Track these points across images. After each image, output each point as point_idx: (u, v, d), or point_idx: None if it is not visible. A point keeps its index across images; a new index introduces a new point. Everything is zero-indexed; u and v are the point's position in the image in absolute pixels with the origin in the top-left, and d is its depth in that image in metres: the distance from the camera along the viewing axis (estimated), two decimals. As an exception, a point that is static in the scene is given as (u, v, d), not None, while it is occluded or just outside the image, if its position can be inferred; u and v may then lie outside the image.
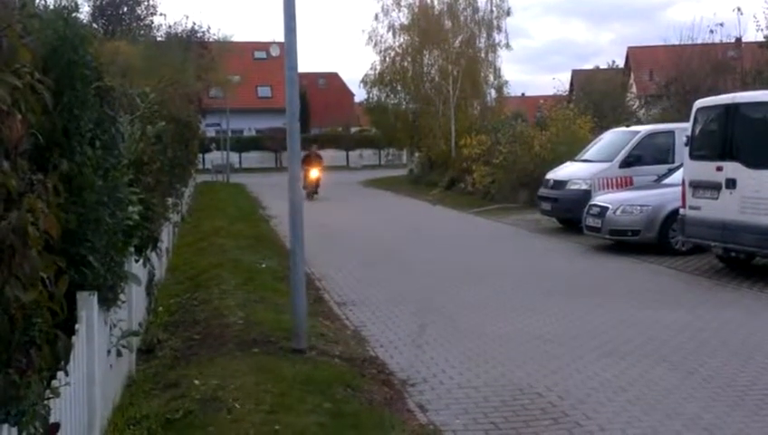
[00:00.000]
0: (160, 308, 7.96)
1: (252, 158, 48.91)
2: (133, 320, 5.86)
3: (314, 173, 23.83)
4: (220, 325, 6.90)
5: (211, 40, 30.15)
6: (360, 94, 48.74)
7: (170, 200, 9.53)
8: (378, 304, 8.87)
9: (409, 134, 36.03)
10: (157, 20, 30.71)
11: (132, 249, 5.35)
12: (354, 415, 4.87)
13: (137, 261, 5.78)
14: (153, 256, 6.72)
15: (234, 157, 45.12)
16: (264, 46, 47.45)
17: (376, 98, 37.51)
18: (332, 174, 41.27)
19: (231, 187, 30.48)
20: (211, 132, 38.47)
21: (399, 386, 5.86)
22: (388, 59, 36.43)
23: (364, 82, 37.19)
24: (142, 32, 26.57)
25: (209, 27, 38.12)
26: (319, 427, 4.58)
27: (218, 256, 11.13)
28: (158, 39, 27.11)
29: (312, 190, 23.49)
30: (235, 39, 39.42)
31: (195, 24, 32.04)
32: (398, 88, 36.73)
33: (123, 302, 5.02)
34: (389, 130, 37.40)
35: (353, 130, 56.35)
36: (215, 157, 40.28)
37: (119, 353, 4.94)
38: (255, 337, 6.49)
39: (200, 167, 35.96)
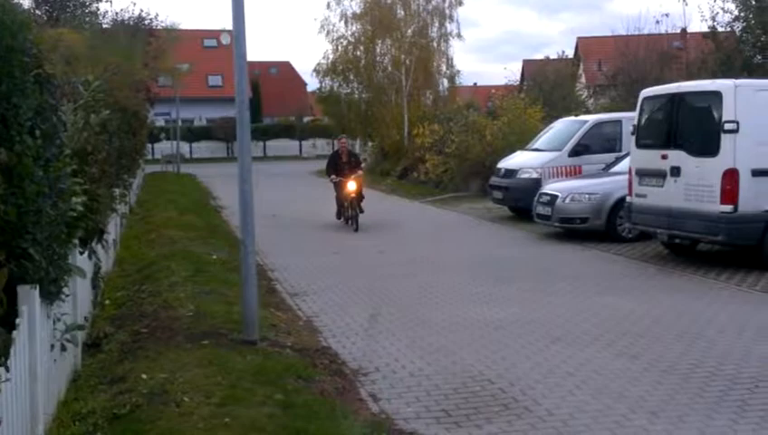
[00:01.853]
0: (107, 301, 7.80)
1: (203, 148, 48.28)
2: (78, 314, 5.73)
3: (352, 186, 14.36)
4: (169, 318, 6.79)
5: (159, 27, 29.55)
6: (312, 83, 48.50)
7: (117, 191, 9.33)
8: (330, 293, 8.85)
9: (362, 124, 35.97)
10: (103, 7, 30.04)
11: (76, 241, 5.23)
12: (305, 406, 4.85)
13: (81, 253, 5.65)
14: (99, 248, 6.57)
15: (184, 147, 44.48)
16: (215, 34, 46.79)
17: (328, 87, 37.32)
18: (285, 164, 41.17)
19: (181, 177, 30.01)
20: (160, 122, 37.83)
21: (351, 376, 5.86)
22: (340, 48, 36.27)
23: (317, 71, 36.97)
24: (87, 19, 25.88)
25: (157, 14, 37.47)
26: (269, 418, 4.55)
27: (168, 247, 10.95)
28: (104, 26, 26.46)
29: (351, 211, 14.52)
30: (185, 27, 38.86)
31: (142, 11, 31.41)
32: (351, 77, 36.61)
33: (67, 295, 4.90)
34: (342, 120, 37.22)
35: (306, 119, 56.01)
36: (164, 147, 39.65)
37: (63, 348, 4.83)
38: (205, 329, 6.41)
39: (149, 157, 35.39)
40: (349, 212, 14.54)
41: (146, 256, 10.45)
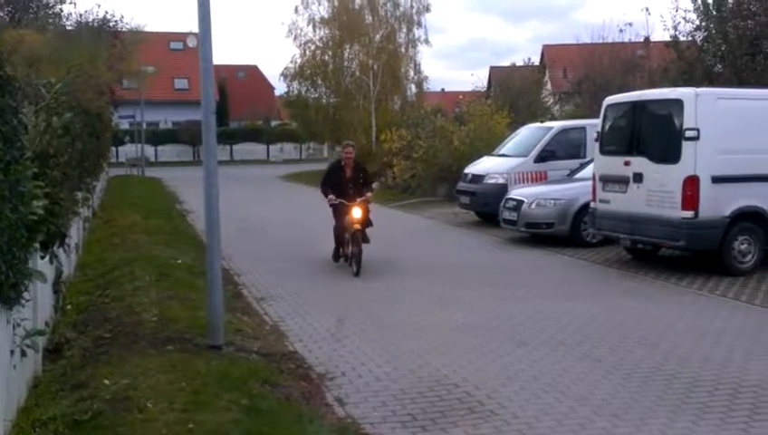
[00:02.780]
0: (69, 306, 7.67)
1: (168, 151, 47.79)
2: (39, 319, 5.62)
3: (356, 213, 10.31)
4: (132, 323, 6.70)
5: (124, 29, 29.17)
6: (280, 87, 48.29)
7: (80, 195, 9.17)
8: (297, 298, 8.82)
9: (330, 128, 36.00)
10: (66, 8, 29.56)
11: (37, 245, 5.13)
12: (271, 411, 4.82)
13: (43, 257, 5.54)
14: (61, 252, 6.45)
15: (149, 150, 44.00)
16: (181, 37, 46.31)
17: (296, 91, 37.29)
18: (252, 168, 40.93)
19: (146, 181, 29.67)
20: (125, 124, 37.33)
21: (318, 380, 5.84)
22: (308, 52, 36.29)
23: (284, 75, 36.95)
24: (51, 20, 25.43)
25: (122, 16, 36.96)
26: (234, 424, 4.51)
27: (132, 251, 10.80)
28: (68, 28, 26.03)
29: (354, 248, 10.28)
30: (151, 29, 38.37)
31: (107, 12, 30.96)
32: (319, 82, 36.65)
33: (27, 300, 4.80)
34: (310, 124, 37.23)
35: (273, 123, 55.77)
36: (129, 150, 39.16)
37: (23, 353, 4.73)
38: (170, 334, 6.33)
39: (113, 160, 34.89)
40: (350, 248, 10.26)
41: (109, 260, 10.30)
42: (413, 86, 36.39)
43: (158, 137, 47.43)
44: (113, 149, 35.36)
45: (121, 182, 27.26)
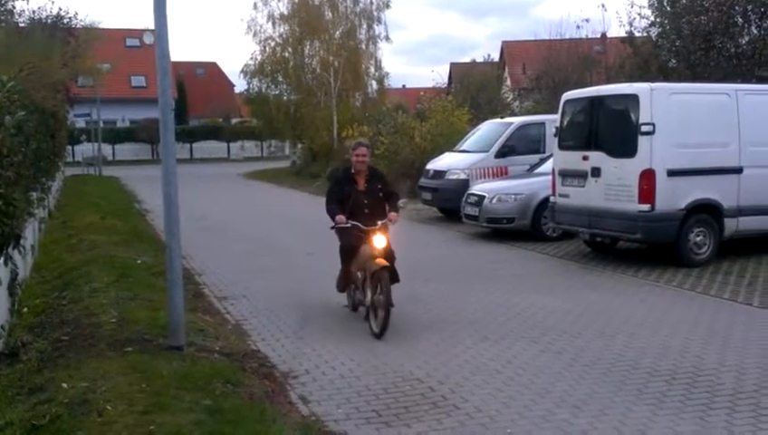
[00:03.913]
0: (25, 309, 7.50)
1: (126, 150, 47.05)
2: (-7, 323, 5.49)
3: (380, 242, 7.12)
4: (91, 325, 6.58)
5: (78, 26, 28.60)
6: (240, 84, 47.83)
7: (35, 195, 8.97)
8: (260, 297, 8.76)
9: (291, 125, 35.78)
10: (19, 5, 28.77)
11: (-10, 247, 5.00)
12: (234, 411, 4.78)
13: (-4, 260, 5.40)
14: (16, 253, 6.31)
15: (106, 149, 43.24)
16: (137, 33, 45.52)
17: (257, 88, 36.97)
18: (213, 166, 40.53)
19: (103, 180, 29.16)
20: (81, 123, 36.60)
21: (281, 379, 5.81)
22: (268, 49, 36.00)
23: (244, 72, 36.60)
24: (2, 17, 24.83)
25: (76, 13, 36.24)
26: (196, 425, 4.46)
27: (89, 252, 10.61)
28: (21, 25, 25.42)
29: (378, 295, 6.99)
30: (106, 26, 37.72)
31: (60, 9, 30.34)
32: (280, 79, 36.38)
33: (-20, 304, 4.69)
34: (271, 122, 36.94)
35: (234, 120, 55.27)
36: (85, 149, 38.44)
37: (-24, 359, 4.61)
38: (129, 336, 6.23)
39: (69, 159, 34.22)
40: (369, 296, 7.09)
41: (66, 261, 10.10)
42: (374, 83, 36.37)
43: (115, 135, 46.66)
44: (69, 148, 34.70)
45: (78, 182, 26.75)
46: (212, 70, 63.49)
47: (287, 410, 5.14)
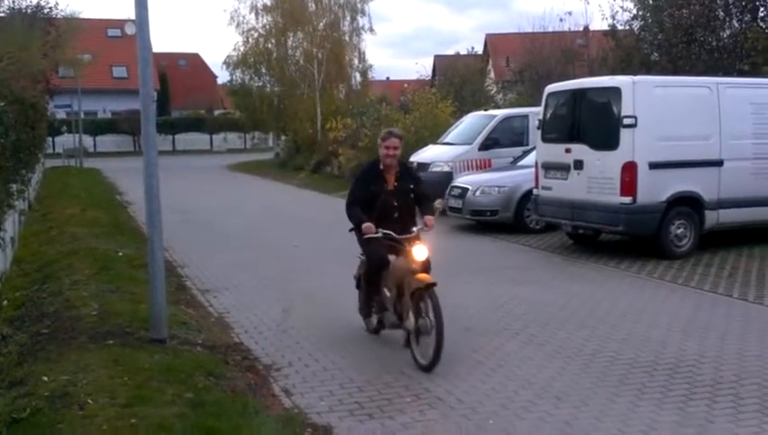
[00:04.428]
0: (5, 302, 7.43)
1: (108, 141, 46.65)
2: (-28, 316, 5.43)
3: (420, 253, 5.91)
4: (71, 318, 6.53)
5: (59, 16, 28.26)
6: (223, 76, 47.57)
7: (15, 187, 8.90)
8: (243, 289, 8.73)
9: (275, 117, 35.65)
10: (-3, -6, 28.39)
11: (-31, 240, 4.95)
12: (216, 403, 4.77)
13: (-26, 252, 5.35)
14: (-6, 246, 6.25)
15: (87, 140, 42.86)
16: (119, 24, 45.02)
17: (240, 80, 36.78)
18: (195, 159, 40.29)
19: (84, 172, 28.90)
20: (61, 114, 36.22)
21: (264, 372, 5.80)
22: (251, 40, 35.81)
23: (227, 63, 36.40)
24: (-20, 7, 24.52)
25: (57, 3, 35.77)
26: (178, 418, 4.44)
27: (70, 244, 10.52)
28: (0, 15, 25.10)
29: (422, 319, 5.75)
30: (87, 15, 37.33)
31: (41, -1, 29.92)
32: (263, 70, 36.20)
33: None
34: (254, 113, 36.80)
35: (217, 112, 54.93)
36: (66, 140, 38.06)
37: (-45, 352, 4.56)
38: (111, 329, 6.19)
39: (50, 151, 33.86)
40: (411, 320, 5.86)
41: (46, 254, 10.01)
42: (358, 75, 36.32)
43: (96, 127, 46.22)
44: (50, 139, 34.34)
45: (59, 174, 26.49)
46: (194, 61, 63.02)
47: (270, 403, 5.13)
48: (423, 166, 15.84)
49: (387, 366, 5.83)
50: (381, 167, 6.32)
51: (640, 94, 9.78)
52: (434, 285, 5.72)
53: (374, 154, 22.75)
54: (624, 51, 18.78)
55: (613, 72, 15.87)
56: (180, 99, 55.37)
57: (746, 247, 10.54)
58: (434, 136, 17.76)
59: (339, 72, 34.64)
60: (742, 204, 10.31)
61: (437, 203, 6.45)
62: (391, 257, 6.14)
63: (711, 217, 10.21)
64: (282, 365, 5.93)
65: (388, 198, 6.25)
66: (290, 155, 32.58)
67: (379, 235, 5.93)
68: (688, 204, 10.07)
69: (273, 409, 5.02)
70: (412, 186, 6.39)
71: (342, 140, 23.57)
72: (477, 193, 12.93)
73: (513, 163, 14.17)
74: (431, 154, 16.21)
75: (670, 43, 17.36)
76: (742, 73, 15.16)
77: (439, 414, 4.91)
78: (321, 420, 4.85)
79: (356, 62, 35.84)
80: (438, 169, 15.34)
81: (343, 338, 6.64)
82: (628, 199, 9.72)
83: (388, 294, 6.14)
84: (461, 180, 13.66)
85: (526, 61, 25.69)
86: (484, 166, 15.06)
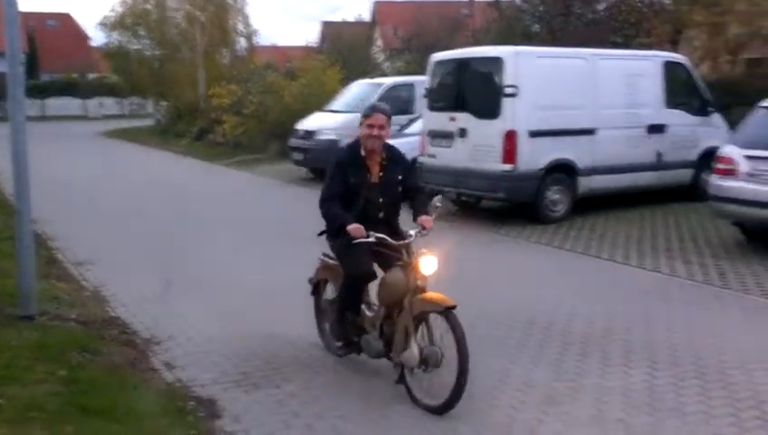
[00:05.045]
0: None
1: (-30, 107, 43.32)
2: None
3: (429, 266, 4.60)
4: (-71, 296, 6.06)
5: None
6: (98, 38, 45.05)
7: None
8: (121, 261, 8.38)
9: (154, 82, 34.20)
10: None
11: None
12: (91, 380, 4.56)
13: None
14: None
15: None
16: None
17: (116, 42, 35.00)
18: (69, 125, 38.15)
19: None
20: None
21: (143, 346, 5.60)
22: (129, 0, 34.07)
23: (103, 24, 34.51)
24: None
25: None
26: (52, 396, 4.23)
27: (-73, 217, 9.74)
28: None
29: (433, 350, 4.47)
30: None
31: None
32: (142, 32, 34.61)
33: None
34: (132, 78, 35.17)
35: (91, 76, 52.06)
36: None
37: None
38: (-26, 306, 5.79)
39: None
40: (415, 350, 4.53)
41: None
42: (243, 40, 35.37)
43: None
44: None
45: None
46: (65, 21, 59.38)
47: (150, 377, 4.97)
48: (310, 134, 15.72)
49: (273, 336, 5.77)
50: (363, 153, 4.91)
51: (522, 65, 10.04)
52: (453, 307, 4.42)
53: (260, 122, 22.20)
54: (507, 22, 19.25)
55: (496, 42, 16.22)
56: (50, 62, 52.07)
57: (616, 212, 11.12)
58: (321, 104, 17.60)
59: (223, 37, 33.61)
60: (613, 171, 10.85)
61: (437, 200, 5.06)
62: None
63: (584, 184, 10.69)
64: (162, 339, 5.75)
65: (372, 194, 4.89)
66: (171, 122, 31.45)
67: (372, 240, 4.61)
68: (564, 171, 10.50)
69: (154, 383, 4.87)
70: (401, 177, 5.00)
71: (227, 108, 22.97)
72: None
73: (400, 131, 14.26)
74: (318, 122, 16.07)
75: (550, 15, 17.94)
76: (615, 45, 15.87)
77: (325, 381, 4.93)
78: (205, 392, 4.75)
79: (240, 26, 34.89)
80: (325, 137, 15.23)
81: (227, 309, 6.52)
82: (509, 167, 10.02)
83: (369, 313, 4.97)
84: (348, 148, 13.61)
85: (414, 30, 25.86)
86: (371, 134, 15.06)
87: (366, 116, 4.89)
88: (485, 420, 4.33)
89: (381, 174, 4.94)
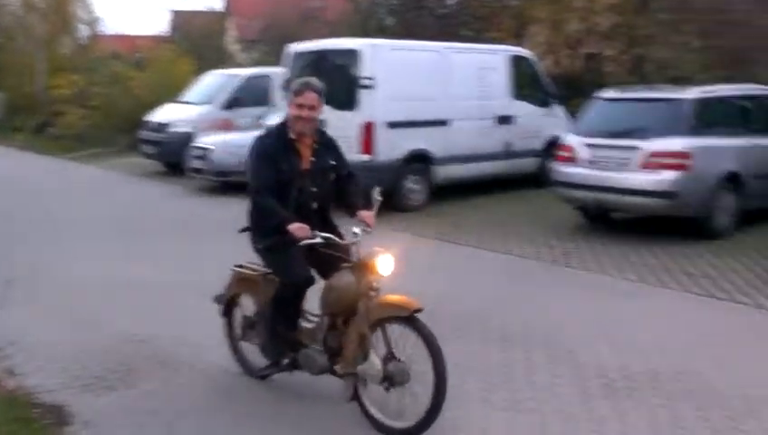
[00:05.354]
0: None
1: None
2: None
3: (388, 264, 4.15)
4: None
5: None
6: None
7: None
8: (-49, 264, 7.67)
9: (-13, 73, 31.59)
10: None
11: None
12: None
13: None
14: None
15: None
16: None
17: (-58, 29, 32.01)
18: None
19: None
20: None
21: (-20, 354, 5.15)
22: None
23: None
24: None
25: None
26: None
27: None
28: None
29: (388, 357, 3.93)
30: None
31: None
32: (-29, 19, 31.85)
33: None
34: (-41, 68, 32.29)
35: None
36: None
37: None
38: None
39: None
40: (376, 363, 3.93)
41: None
42: (85, 28, 33.39)
43: None
44: None
45: None
46: None
47: (-11, 387, 4.58)
48: (162, 126, 15.13)
49: (127, 338, 5.48)
50: (293, 136, 4.30)
51: (378, 57, 10.18)
52: (419, 311, 3.89)
53: (107, 113, 21.23)
54: (362, 15, 19.43)
55: (353, 35, 16.33)
56: None
57: (470, 199, 11.52)
58: (172, 95, 16.96)
59: (63, 25, 31.58)
60: (467, 160, 11.24)
61: (376, 193, 4.36)
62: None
63: (440, 173, 11.00)
64: (2, 345, 5.31)
65: (305, 183, 4.25)
66: (6, 115, 29.17)
67: (318, 240, 4.00)
68: (420, 160, 10.75)
69: (-7, 392, 4.49)
70: (333, 162, 4.41)
71: (69, 99, 21.62)
72: (221, 153, 12.62)
73: (258, 123, 14.02)
74: (170, 114, 15.49)
75: (404, 9, 18.28)
76: (463, 39, 16.42)
77: (186, 380, 4.75)
78: (53, 398, 4.43)
79: (82, 13, 32.91)
80: (178, 130, 14.72)
81: (76, 310, 6.14)
82: (367, 157, 10.12)
83: (307, 325, 4.34)
84: (203, 140, 13.23)
85: (268, 21, 25.52)
86: (227, 126, 14.73)
87: (296, 93, 4.30)
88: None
89: (314, 160, 4.32)
